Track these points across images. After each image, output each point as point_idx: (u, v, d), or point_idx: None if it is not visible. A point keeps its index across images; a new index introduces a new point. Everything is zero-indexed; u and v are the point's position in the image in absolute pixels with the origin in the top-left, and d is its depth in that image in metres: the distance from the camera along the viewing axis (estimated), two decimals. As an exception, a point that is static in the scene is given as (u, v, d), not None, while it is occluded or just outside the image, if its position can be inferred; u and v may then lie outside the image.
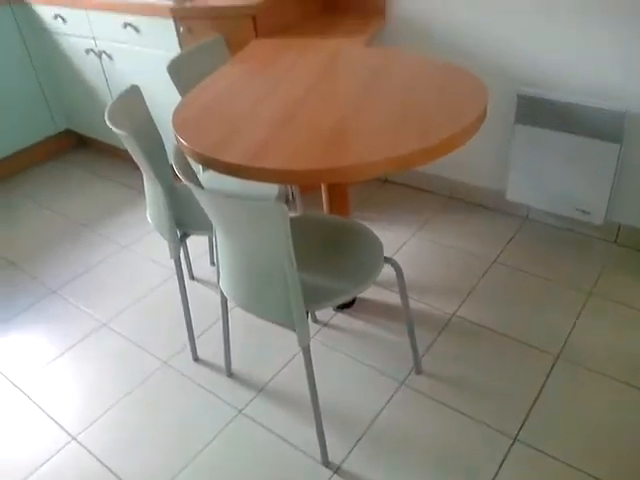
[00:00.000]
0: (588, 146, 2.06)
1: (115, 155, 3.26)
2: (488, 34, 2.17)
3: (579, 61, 2.02)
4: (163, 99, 2.52)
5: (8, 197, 3.05)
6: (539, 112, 2.11)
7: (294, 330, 1.34)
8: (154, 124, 1.81)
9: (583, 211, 2.19)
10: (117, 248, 2.52)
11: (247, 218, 1.23)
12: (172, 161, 1.36)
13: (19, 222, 2.81)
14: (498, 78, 2.23)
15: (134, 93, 1.78)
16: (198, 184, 1.29)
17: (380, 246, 1.54)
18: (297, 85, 1.70)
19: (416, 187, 2.72)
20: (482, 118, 1.45)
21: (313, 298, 1.38)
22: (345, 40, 2.11)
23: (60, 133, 3.39)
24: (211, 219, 1.36)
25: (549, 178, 2.21)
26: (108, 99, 2.96)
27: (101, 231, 2.65)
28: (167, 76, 1.93)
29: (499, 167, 2.41)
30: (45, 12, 2.94)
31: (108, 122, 1.54)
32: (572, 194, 2.18)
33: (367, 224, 2.49)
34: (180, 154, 1.45)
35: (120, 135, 1.52)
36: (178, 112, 1.61)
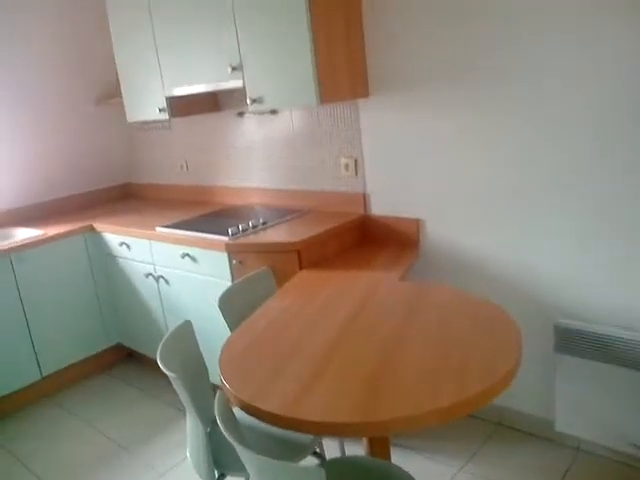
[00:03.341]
0: (633, 378, 2.02)
1: (162, 371, 3.35)
2: (521, 263, 2.29)
3: (618, 293, 2.08)
4: (214, 323, 2.67)
5: (55, 413, 3.11)
6: (579, 343, 2.12)
7: None
8: (202, 360, 1.91)
9: (638, 447, 2.06)
10: (154, 475, 2.47)
11: (285, 478, 1.22)
12: (216, 410, 1.41)
13: (62, 441, 2.83)
14: (533, 307, 2.30)
15: (186, 329, 1.91)
16: (238, 437, 1.31)
17: (423, 498, 1.47)
18: (336, 323, 1.79)
19: (460, 410, 2.65)
20: (518, 365, 1.46)
21: None
22: (381, 274, 2.26)
23: (111, 347, 3.56)
24: (249, 471, 1.35)
25: (597, 410, 2.13)
26: (161, 319, 3.15)
27: (140, 454, 2.63)
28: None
29: (545, 395, 2.35)
30: (113, 240, 3.29)
31: (159, 362, 1.64)
32: (624, 427, 2.08)
33: (410, 453, 2.39)
34: (224, 399, 1.50)
35: (169, 376, 1.60)
36: (225, 351, 1.69)
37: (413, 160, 2.51)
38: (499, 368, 1.42)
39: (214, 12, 2.57)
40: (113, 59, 3.27)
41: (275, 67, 2.41)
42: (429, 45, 2.30)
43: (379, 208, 2.70)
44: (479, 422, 2.56)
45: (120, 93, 3.33)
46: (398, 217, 2.63)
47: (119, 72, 3.26)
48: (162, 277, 3.03)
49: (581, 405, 2.17)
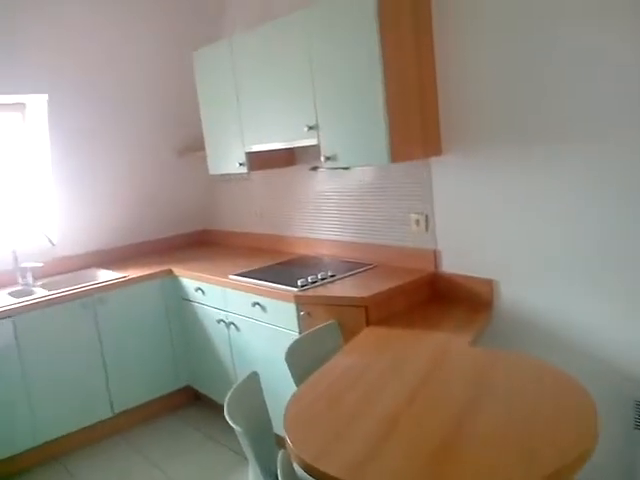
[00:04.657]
0: None
1: (227, 414, 3.41)
2: (601, 333, 2.18)
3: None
4: (281, 371, 2.70)
5: (123, 450, 3.22)
6: (663, 422, 1.98)
7: None
8: (267, 413, 1.93)
9: None
10: (213, 525, 2.49)
11: None
12: (279, 471, 1.42)
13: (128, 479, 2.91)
14: (613, 381, 2.16)
15: (253, 380, 1.95)
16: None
17: None
18: (403, 385, 1.77)
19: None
20: (594, 444, 1.39)
21: None
22: (450, 336, 2.21)
23: (180, 388, 3.65)
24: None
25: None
26: (230, 363, 3.22)
27: (201, 500, 2.66)
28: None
29: (626, 475, 2.19)
30: (189, 285, 3.43)
31: (227, 415, 1.68)
32: None
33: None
34: (287, 457, 1.51)
35: (236, 430, 1.63)
36: (290, 407, 1.70)
37: (486, 219, 2.48)
38: (574, 447, 1.36)
39: (294, 77, 2.71)
40: (199, 115, 3.49)
41: (349, 128, 2.50)
42: (501, 108, 2.31)
43: (450, 266, 2.67)
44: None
45: (204, 147, 3.53)
46: (470, 276, 2.58)
47: (204, 128, 3.47)
48: (233, 324, 3.11)
49: (667, 490, 2.01)
